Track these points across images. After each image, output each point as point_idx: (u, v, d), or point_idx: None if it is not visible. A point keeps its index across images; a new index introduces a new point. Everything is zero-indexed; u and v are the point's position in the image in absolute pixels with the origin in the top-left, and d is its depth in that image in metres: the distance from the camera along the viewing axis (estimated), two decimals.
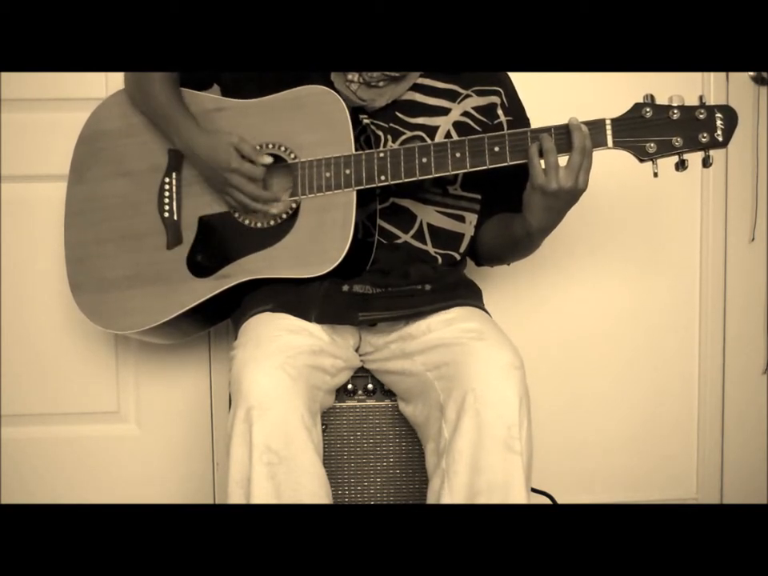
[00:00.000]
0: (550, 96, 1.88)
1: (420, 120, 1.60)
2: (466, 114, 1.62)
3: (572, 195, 1.43)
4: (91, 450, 2.00)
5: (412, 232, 1.60)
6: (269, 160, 1.53)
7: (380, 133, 1.58)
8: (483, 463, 1.35)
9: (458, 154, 1.47)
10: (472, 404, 1.35)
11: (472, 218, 1.65)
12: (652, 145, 1.41)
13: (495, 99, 1.64)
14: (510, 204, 1.58)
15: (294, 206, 1.54)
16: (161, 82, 1.60)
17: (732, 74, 1.99)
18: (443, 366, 1.43)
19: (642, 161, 1.43)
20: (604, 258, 2.05)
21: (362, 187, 1.50)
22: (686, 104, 1.41)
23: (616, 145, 1.42)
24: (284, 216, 1.55)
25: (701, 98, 1.41)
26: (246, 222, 1.57)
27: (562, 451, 2.04)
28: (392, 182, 1.49)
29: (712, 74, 1.99)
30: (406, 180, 1.49)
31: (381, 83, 1.58)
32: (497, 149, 1.46)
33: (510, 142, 1.45)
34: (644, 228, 2.05)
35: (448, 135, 1.60)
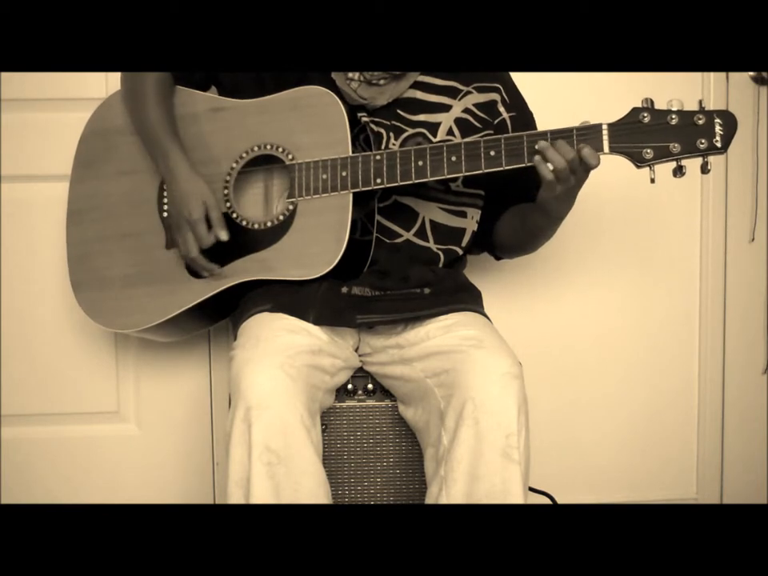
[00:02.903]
0: (550, 98, 1.88)
1: (421, 117, 1.60)
2: (467, 110, 1.62)
3: (585, 174, 1.43)
4: (91, 450, 2.00)
5: (414, 230, 1.60)
6: (224, 237, 1.53)
7: (382, 131, 1.59)
8: (481, 471, 1.35)
9: (453, 158, 1.47)
10: (471, 413, 1.35)
11: (474, 213, 1.65)
12: (649, 151, 1.40)
13: (495, 96, 1.64)
14: (523, 195, 1.58)
15: (290, 207, 1.54)
16: (154, 104, 1.60)
17: (732, 74, 1.99)
18: (443, 374, 1.43)
19: (638, 167, 1.41)
20: (604, 258, 2.05)
21: (357, 190, 1.50)
22: (685, 109, 1.39)
23: (612, 150, 1.41)
24: (281, 217, 1.55)
25: (700, 102, 1.40)
26: (244, 222, 1.57)
27: (562, 451, 2.04)
28: (387, 185, 1.49)
29: (712, 74, 1.99)
30: (402, 183, 1.49)
31: (381, 81, 1.58)
32: (492, 153, 1.45)
33: (506, 146, 1.44)
34: (644, 228, 2.05)
35: (450, 132, 1.60)
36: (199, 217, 1.52)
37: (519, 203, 1.63)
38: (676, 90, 1.75)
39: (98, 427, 2.00)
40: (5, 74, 1.89)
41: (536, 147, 1.41)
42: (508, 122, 1.64)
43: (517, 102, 1.67)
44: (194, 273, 1.59)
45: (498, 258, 1.78)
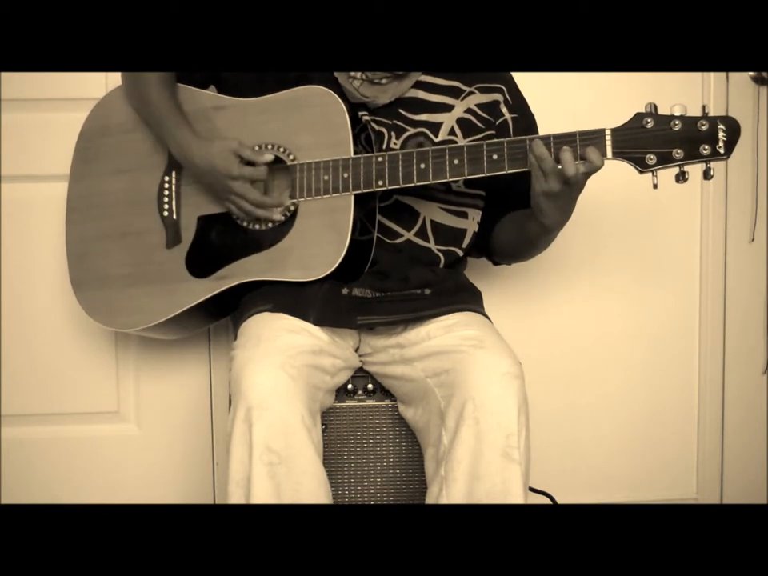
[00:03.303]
0: (551, 99, 1.88)
1: (423, 117, 1.60)
2: (469, 110, 1.62)
3: (578, 184, 1.41)
4: (91, 450, 2.00)
5: (414, 230, 1.60)
6: (270, 158, 1.53)
7: (383, 129, 1.58)
8: (482, 471, 1.35)
9: (456, 161, 1.46)
10: (471, 412, 1.35)
11: (475, 214, 1.65)
12: (652, 156, 1.39)
13: (498, 96, 1.64)
14: (520, 201, 1.57)
15: (292, 208, 1.54)
16: (157, 87, 1.59)
17: (732, 74, 1.99)
18: (443, 374, 1.43)
19: (641, 172, 1.40)
20: (605, 259, 2.05)
21: (359, 191, 1.49)
22: (688, 114, 1.39)
23: (615, 156, 1.40)
24: (282, 218, 1.54)
25: (703, 108, 1.39)
26: (245, 223, 1.57)
27: (562, 451, 2.04)
28: (389, 188, 1.49)
29: (712, 74, 1.99)
30: (404, 185, 1.49)
31: (383, 80, 1.58)
32: (495, 156, 1.45)
33: (509, 149, 1.44)
34: (644, 227, 2.05)
35: (452, 132, 1.60)
36: (239, 169, 1.51)
37: (519, 208, 1.62)
38: (676, 91, 1.75)
39: (98, 427, 2.00)
40: (5, 74, 1.89)
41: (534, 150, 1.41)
42: (510, 123, 1.64)
43: (519, 104, 1.66)
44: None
45: (495, 264, 1.78)
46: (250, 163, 1.52)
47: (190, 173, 1.59)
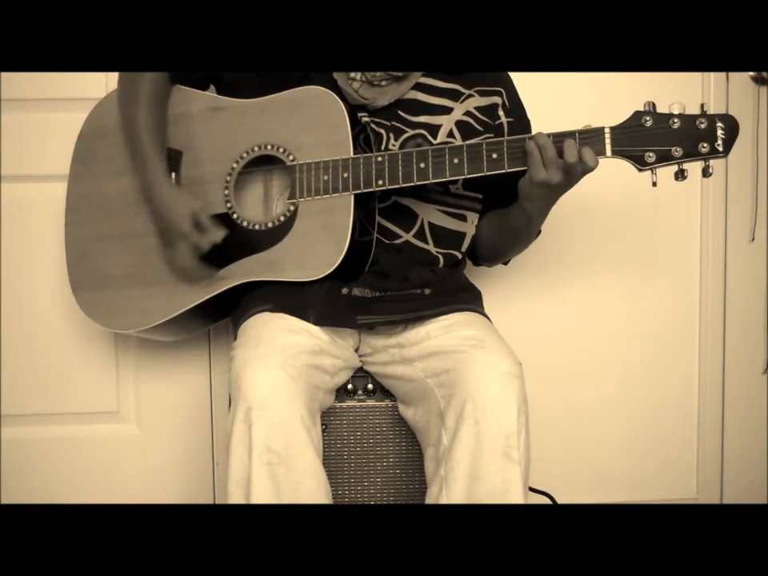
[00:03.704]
0: (551, 99, 1.88)
1: (422, 119, 1.60)
2: (468, 113, 1.62)
3: (576, 175, 1.42)
4: (91, 450, 2.00)
5: (413, 231, 1.60)
6: (220, 237, 1.52)
7: (382, 131, 1.58)
8: (482, 471, 1.35)
9: (455, 160, 1.47)
10: (471, 413, 1.36)
11: (473, 218, 1.65)
12: (651, 154, 1.40)
13: (497, 99, 1.64)
14: (502, 201, 1.59)
15: (291, 208, 1.54)
16: (145, 110, 1.58)
17: (732, 74, 1.99)
18: (443, 374, 1.43)
19: (640, 170, 1.41)
20: (604, 258, 2.05)
21: (359, 191, 1.50)
22: (687, 113, 1.40)
23: (614, 154, 1.41)
24: (282, 218, 1.54)
25: (702, 106, 1.40)
26: (244, 223, 1.57)
27: (562, 451, 2.04)
28: (389, 187, 1.49)
29: (712, 74, 2.00)
30: (404, 185, 1.49)
31: (383, 82, 1.58)
32: (495, 155, 1.45)
33: (509, 148, 1.45)
34: (644, 228, 2.05)
35: (450, 134, 1.60)
36: (189, 228, 1.52)
37: (498, 207, 1.63)
38: (676, 90, 1.75)
39: (97, 427, 2.00)
40: (5, 74, 1.89)
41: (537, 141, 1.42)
42: (505, 126, 1.64)
43: (516, 109, 1.67)
44: (220, 262, 1.58)
45: (476, 264, 1.78)
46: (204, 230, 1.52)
47: (148, 207, 1.59)
